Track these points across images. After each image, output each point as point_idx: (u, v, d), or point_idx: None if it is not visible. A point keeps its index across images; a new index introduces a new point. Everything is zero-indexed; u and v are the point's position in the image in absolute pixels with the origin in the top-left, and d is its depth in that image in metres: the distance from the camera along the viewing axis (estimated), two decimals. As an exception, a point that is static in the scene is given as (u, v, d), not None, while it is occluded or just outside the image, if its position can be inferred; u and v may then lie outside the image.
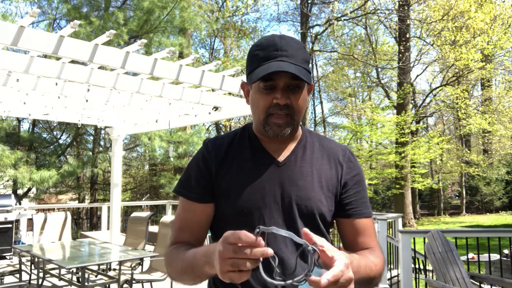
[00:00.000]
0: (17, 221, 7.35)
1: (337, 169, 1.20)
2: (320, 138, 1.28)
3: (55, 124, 12.31)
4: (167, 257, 1.19)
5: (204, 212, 1.18)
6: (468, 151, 22.22)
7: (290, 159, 1.18)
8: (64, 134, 13.44)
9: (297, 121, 1.14)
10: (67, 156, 12.83)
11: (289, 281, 0.81)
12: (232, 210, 1.14)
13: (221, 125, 19.71)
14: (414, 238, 5.29)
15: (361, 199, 1.21)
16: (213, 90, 5.42)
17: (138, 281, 4.49)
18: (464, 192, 24.13)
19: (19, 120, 11.27)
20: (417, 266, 5.72)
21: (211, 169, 1.18)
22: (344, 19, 16.24)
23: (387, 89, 22.74)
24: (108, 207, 8.49)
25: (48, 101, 5.45)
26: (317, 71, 25.26)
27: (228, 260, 0.81)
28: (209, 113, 6.21)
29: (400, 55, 17.30)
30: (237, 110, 6.12)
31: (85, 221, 14.62)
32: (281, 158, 1.18)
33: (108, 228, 8.67)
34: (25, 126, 13.18)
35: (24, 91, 4.96)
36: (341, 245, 1.25)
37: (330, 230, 1.24)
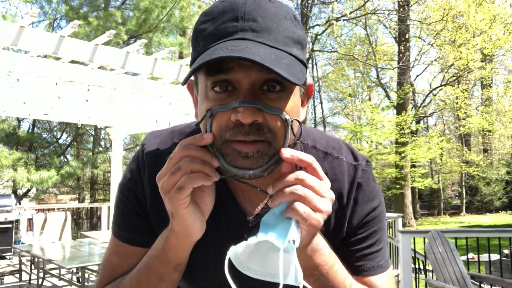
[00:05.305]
0: (17, 221, 7.34)
1: (337, 213, 0.77)
2: (320, 157, 0.79)
3: (55, 124, 12.32)
4: None
5: (143, 255, 0.78)
6: (468, 151, 22.23)
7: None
8: (64, 134, 13.44)
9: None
10: (67, 157, 12.84)
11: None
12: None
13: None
14: (414, 238, 5.28)
15: (369, 247, 0.80)
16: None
17: (138, 281, 4.49)
18: (464, 192, 24.12)
19: (19, 120, 11.27)
20: (417, 266, 5.72)
21: (144, 202, 0.82)
22: (344, 19, 16.23)
23: (387, 89, 22.74)
24: (108, 207, 8.49)
25: (48, 101, 5.46)
26: (317, 71, 25.26)
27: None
28: (209, 113, 6.20)
29: (400, 55, 17.30)
30: (237, 110, 6.11)
31: (85, 221, 14.62)
32: (257, 209, 0.73)
33: (108, 228, 8.66)
34: (25, 126, 13.20)
35: (24, 91, 4.96)
36: None
37: None
